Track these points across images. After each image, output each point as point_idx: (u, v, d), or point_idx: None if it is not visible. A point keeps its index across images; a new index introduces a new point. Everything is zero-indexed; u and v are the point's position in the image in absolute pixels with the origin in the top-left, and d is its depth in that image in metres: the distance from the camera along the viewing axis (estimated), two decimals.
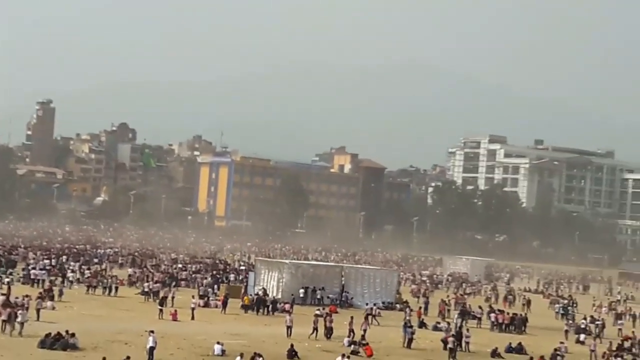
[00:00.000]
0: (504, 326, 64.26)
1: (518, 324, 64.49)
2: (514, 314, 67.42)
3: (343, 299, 72.08)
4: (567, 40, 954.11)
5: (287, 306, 62.12)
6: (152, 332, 42.64)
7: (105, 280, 69.14)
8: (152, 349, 41.55)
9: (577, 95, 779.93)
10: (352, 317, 54.69)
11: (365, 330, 52.45)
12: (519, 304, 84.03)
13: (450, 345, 49.98)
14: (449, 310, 69.51)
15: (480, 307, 69.42)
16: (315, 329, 52.98)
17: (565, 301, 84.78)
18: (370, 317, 59.49)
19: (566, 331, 62.66)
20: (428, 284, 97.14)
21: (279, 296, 68.80)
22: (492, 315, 65.78)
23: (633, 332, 61.41)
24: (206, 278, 78.01)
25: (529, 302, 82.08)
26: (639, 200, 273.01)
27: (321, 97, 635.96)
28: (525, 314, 67.54)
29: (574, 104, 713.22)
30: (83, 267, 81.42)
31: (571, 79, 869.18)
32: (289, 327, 52.23)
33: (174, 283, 74.15)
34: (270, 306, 64.48)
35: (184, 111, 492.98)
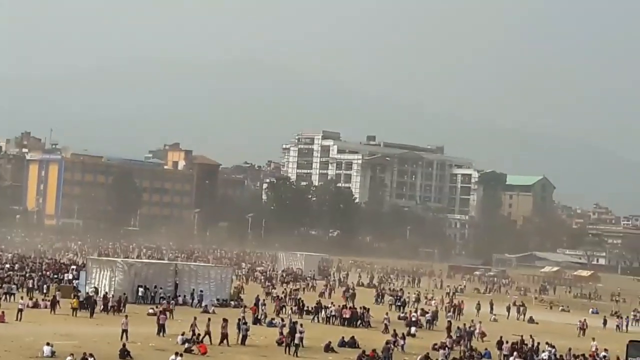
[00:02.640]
0: (346, 321, 64.87)
1: (362, 318, 65.35)
2: (353, 308, 68.20)
3: (177, 296, 71.36)
4: (399, 37, 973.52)
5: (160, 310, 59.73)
6: None
7: None
8: None
9: (408, 93, 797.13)
10: (195, 318, 54.11)
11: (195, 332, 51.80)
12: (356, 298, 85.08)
13: (287, 342, 50.36)
14: (283, 307, 69.66)
15: (332, 303, 69.98)
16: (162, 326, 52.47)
17: (399, 295, 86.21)
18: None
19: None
20: (263, 280, 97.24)
21: (112, 295, 67.56)
22: (333, 309, 66.35)
23: (465, 324, 62.89)
24: (33, 278, 75.83)
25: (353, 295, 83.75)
26: (467, 195, 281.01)
27: (153, 93, 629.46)
28: (368, 309, 68.39)
29: (405, 101, 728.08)
30: None
31: (402, 76, 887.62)
32: (125, 331, 50.89)
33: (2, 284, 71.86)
34: (102, 306, 63.26)
35: (11, 107, 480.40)
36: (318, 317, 66.06)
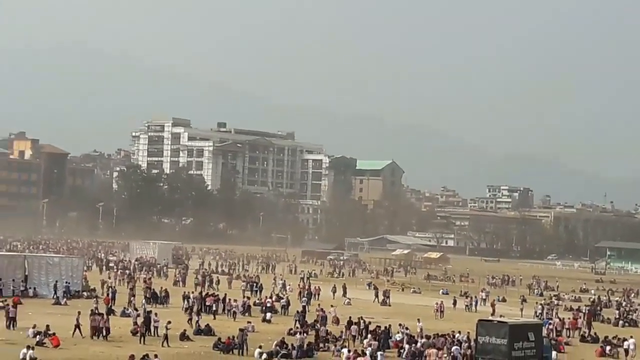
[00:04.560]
0: (209, 308, 64.65)
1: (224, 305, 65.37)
2: (215, 295, 68.08)
3: (27, 288, 69.82)
4: (242, 25, 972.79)
5: (10, 303, 57.77)
6: None
7: None
8: None
9: (255, 82, 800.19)
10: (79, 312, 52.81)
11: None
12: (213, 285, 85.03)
13: (141, 332, 49.99)
14: (134, 296, 68.88)
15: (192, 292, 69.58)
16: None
17: (254, 281, 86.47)
18: None
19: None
20: (115, 270, 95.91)
21: None
22: (192, 297, 66.07)
23: (320, 307, 63.52)
24: None
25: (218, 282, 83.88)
26: (319, 180, 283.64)
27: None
28: (225, 294, 68.39)
29: (254, 91, 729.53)
30: None
31: (247, 65, 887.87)
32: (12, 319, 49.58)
33: None
34: None
35: None
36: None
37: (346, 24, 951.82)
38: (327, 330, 54.70)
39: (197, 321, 55.65)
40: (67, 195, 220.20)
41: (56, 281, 70.90)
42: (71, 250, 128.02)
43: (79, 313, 52.36)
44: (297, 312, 62.00)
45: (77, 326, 50.76)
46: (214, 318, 60.90)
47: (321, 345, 51.14)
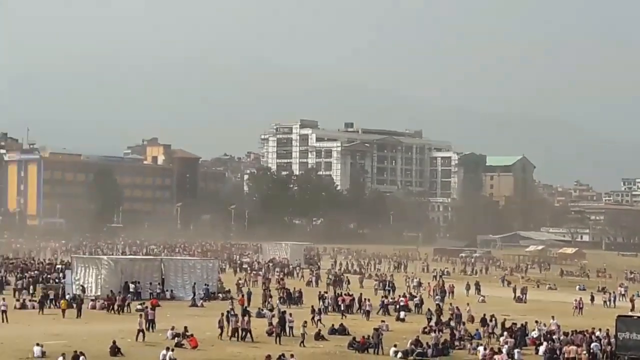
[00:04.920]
0: (345, 308, 64.84)
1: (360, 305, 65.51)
2: (350, 294, 68.30)
3: (164, 291, 71.21)
4: (369, 23, 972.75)
5: (148, 305, 59.19)
6: None
7: None
8: None
9: (382, 78, 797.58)
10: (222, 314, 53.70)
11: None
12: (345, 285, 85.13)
13: (277, 332, 50.45)
14: (271, 296, 69.56)
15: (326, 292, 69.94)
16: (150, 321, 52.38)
17: (387, 280, 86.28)
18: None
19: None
20: (249, 271, 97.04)
21: (99, 293, 67.35)
22: (336, 299, 66.30)
23: (454, 305, 63.05)
24: (20, 279, 75.48)
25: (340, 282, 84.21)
26: (448, 177, 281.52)
27: (130, 90, 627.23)
28: (360, 294, 68.61)
29: (380, 87, 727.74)
30: None
31: (374, 62, 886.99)
32: (141, 330, 50.48)
33: None
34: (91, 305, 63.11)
35: None
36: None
37: (479, 22, 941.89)
38: (462, 328, 54.21)
39: (319, 320, 55.80)
40: (200, 198, 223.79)
41: (194, 283, 72.10)
42: (205, 253, 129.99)
43: (222, 314, 52.97)
44: (429, 310, 61.63)
45: (221, 327, 51.50)
46: (344, 317, 60.92)
47: (457, 343, 50.71)
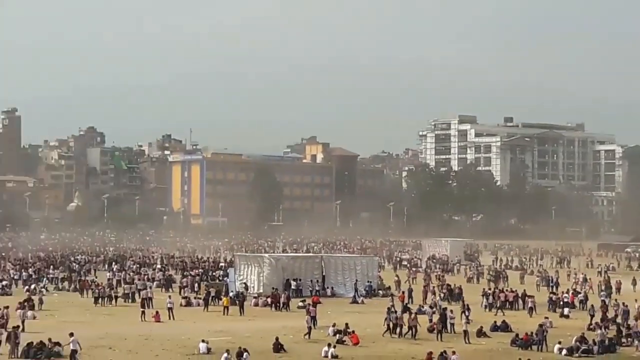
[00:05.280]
0: (507, 304, 64.15)
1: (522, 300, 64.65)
2: (513, 291, 67.41)
3: (325, 288, 71.75)
4: (527, 17, 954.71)
5: (310, 303, 59.31)
6: (72, 334, 41.99)
7: (98, 290, 67.15)
8: (74, 352, 41.09)
9: (541, 72, 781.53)
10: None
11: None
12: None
13: (438, 329, 50.20)
14: (434, 294, 69.18)
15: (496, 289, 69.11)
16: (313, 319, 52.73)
17: (550, 276, 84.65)
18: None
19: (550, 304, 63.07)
20: (409, 268, 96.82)
21: (261, 290, 68.39)
22: (499, 295, 65.54)
23: (620, 301, 61.36)
24: (185, 277, 77.38)
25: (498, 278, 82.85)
26: (612, 171, 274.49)
27: (287, 89, 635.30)
28: (524, 290, 67.66)
29: (539, 81, 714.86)
30: (63, 274, 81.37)
31: (533, 57, 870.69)
32: (310, 325, 51.10)
33: (153, 284, 73.64)
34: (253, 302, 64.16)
35: (151, 111, 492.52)
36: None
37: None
38: (629, 324, 52.67)
39: (467, 317, 54.99)
40: (359, 196, 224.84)
41: (356, 280, 72.41)
42: (364, 250, 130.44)
43: (388, 310, 52.92)
44: (592, 306, 60.11)
45: (388, 325, 51.54)
46: (499, 314, 60.14)
47: (623, 340, 49.31)
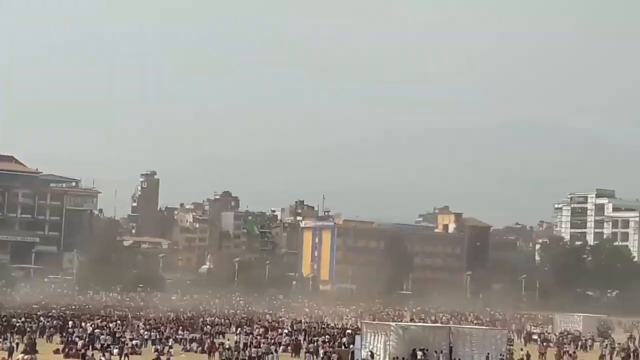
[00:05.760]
0: None
1: None
2: None
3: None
4: None
5: None
6: None
7: (225, 352, 67.82)
8: None
9: None
10: None
11: None
12: None
13: None
14: None
15: None
16: None
17: None
18: None
19: None
20: (539, 343, 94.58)
21: (387, 359, 67.66)
22: None
23: None
24: (312, 343, 77.31)
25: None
26: None
27: (420, 158, 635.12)
28: None
29: None
30: (192, 335, 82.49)
31: None
32: None
33: (279, 348, 73.85)
34: None
35: (284, 178, 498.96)
36: None
37: None
38: None
39: None
40: (490, 267, 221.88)
41: (488, 353, 71.06)
42: (494, 323, 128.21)
43: None
44: None
45: None
46: None
47: None
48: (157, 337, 79.54)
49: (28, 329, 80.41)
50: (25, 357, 65.11)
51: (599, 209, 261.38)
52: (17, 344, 70.60)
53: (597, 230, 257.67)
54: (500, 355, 71.96)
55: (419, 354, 68.77)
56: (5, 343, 70.52)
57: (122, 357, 64.90)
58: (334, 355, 67.97)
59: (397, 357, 66.77)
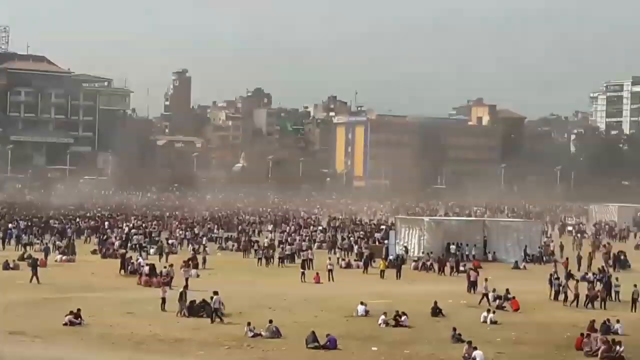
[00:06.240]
0: None
1: None
2: None
3: (487, 253, 70.82)
4: None
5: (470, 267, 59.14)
6: (217, 293, 43.20)
7: (260, 251, 68.38)
8: (216, 310, 42.63)
9: None
10: None
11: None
12: None
13: (602, 297, 48.88)
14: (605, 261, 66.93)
15: None
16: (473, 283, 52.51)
17: None
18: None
19: None
20: (574, 234, 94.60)
21: (421, 254, 67.92)
22: None
23: None
24: (346, 239, 77.72)
25: None
26: None
27: (454, 49, 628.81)
28: None
29: None
30: (227, 234, 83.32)
31: None
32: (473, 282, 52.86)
33: (314, 245, 74.37)
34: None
35: (317, 73, 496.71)
36: None
37: None
38: None
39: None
40: (524, 159, 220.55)
41: (525, 245, 71.26)
42: (528, 215, 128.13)
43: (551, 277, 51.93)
44: None
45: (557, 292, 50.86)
46: None
47: None
48: (193, 236, 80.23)
49: (66, 230, 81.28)
50: (64, 257, 66.16)
51: (635, 97, 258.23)
52: (54, 245, 71.40)
53: (633, 118, 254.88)
54: (539, 247, 72.15)
55: (453, 247, 69.00)
56: (41, 245, 71.32)
57: (160, 257, 65.51)
58: (366, 250, 68.29)
59: (432, 251, 67.03)
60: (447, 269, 62.66)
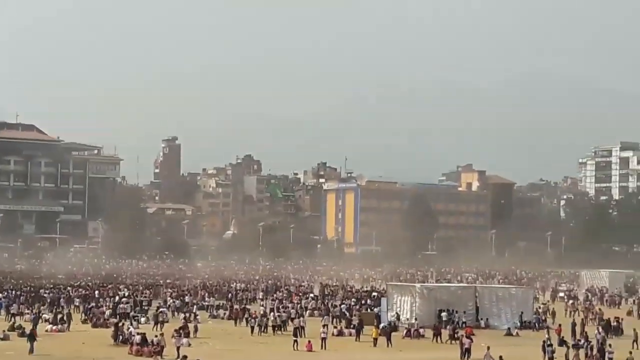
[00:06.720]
0: None
1: None
2: None
3: (479, 319, 70.54)
4: None
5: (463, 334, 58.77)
6: None
7: (253, 320, 67.74)
8: None
9: None
10: None
11: None
12: None
13: None
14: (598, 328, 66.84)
15: None
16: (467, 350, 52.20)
17: None
18: None
19: None
20: (566, 300, 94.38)
21: (413, 321, 67.62)
22: None
23: None
24: (337, 306, 77.35)
25: None
26: None
27: (443, 116, 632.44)
28: None
29: None
30: (218, 302, 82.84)
31: None
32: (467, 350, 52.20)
33: (306, 312, 73.95)
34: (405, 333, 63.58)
35: (306, 140, 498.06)
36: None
37: None
38: None
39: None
40: (515, 225, 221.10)
41: (522, 312, 71.11)
42: (520, 281, 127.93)
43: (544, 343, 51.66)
44: None
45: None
46: None
47: None
48: (183, 304, 79.78)
49: (57, 300, 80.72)
50: (54, 327, 65.63)
51: (624, 162, 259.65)
52: (41, 314, 70.69)
53: (622, 184, 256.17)
54: (534, 313, 72.07)
55: (445, 314, 68.73)
56: (30, 314, 70.71)
57: (155, 325, 65.06)
58: (355, 318, 67.93)
59: (423, 318, 66.74)
60: (444, 335, 62.18)
